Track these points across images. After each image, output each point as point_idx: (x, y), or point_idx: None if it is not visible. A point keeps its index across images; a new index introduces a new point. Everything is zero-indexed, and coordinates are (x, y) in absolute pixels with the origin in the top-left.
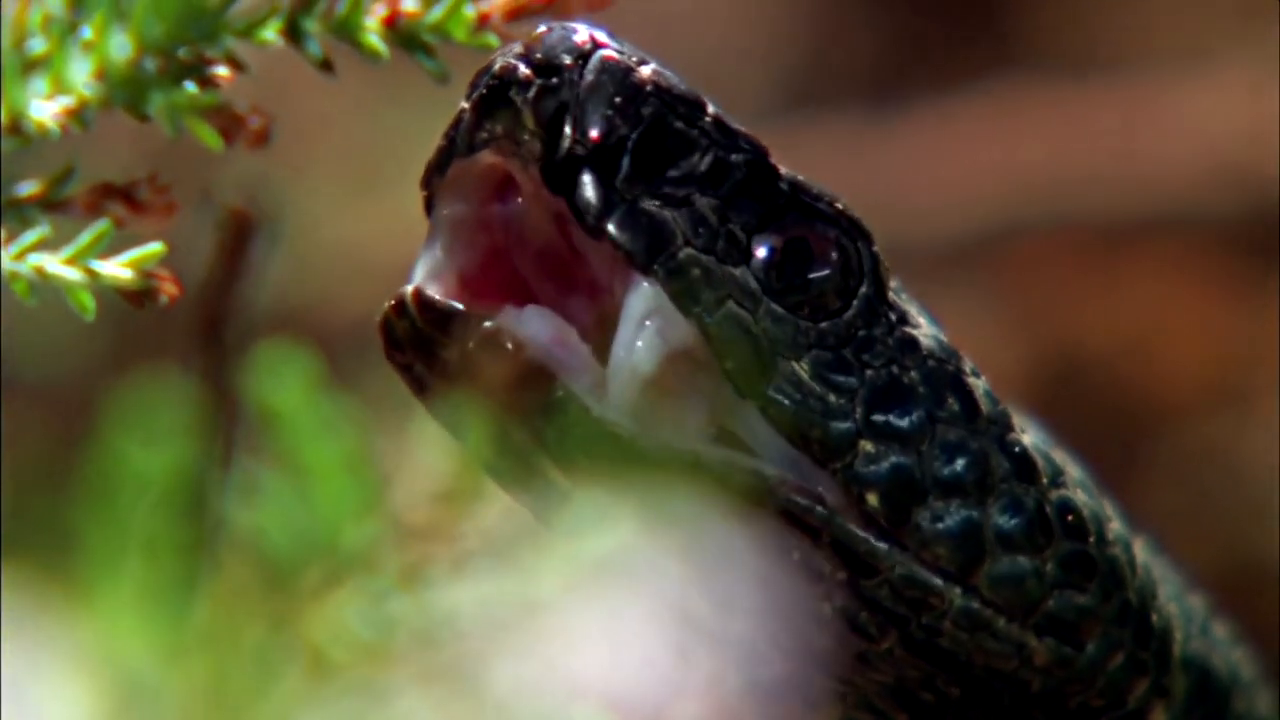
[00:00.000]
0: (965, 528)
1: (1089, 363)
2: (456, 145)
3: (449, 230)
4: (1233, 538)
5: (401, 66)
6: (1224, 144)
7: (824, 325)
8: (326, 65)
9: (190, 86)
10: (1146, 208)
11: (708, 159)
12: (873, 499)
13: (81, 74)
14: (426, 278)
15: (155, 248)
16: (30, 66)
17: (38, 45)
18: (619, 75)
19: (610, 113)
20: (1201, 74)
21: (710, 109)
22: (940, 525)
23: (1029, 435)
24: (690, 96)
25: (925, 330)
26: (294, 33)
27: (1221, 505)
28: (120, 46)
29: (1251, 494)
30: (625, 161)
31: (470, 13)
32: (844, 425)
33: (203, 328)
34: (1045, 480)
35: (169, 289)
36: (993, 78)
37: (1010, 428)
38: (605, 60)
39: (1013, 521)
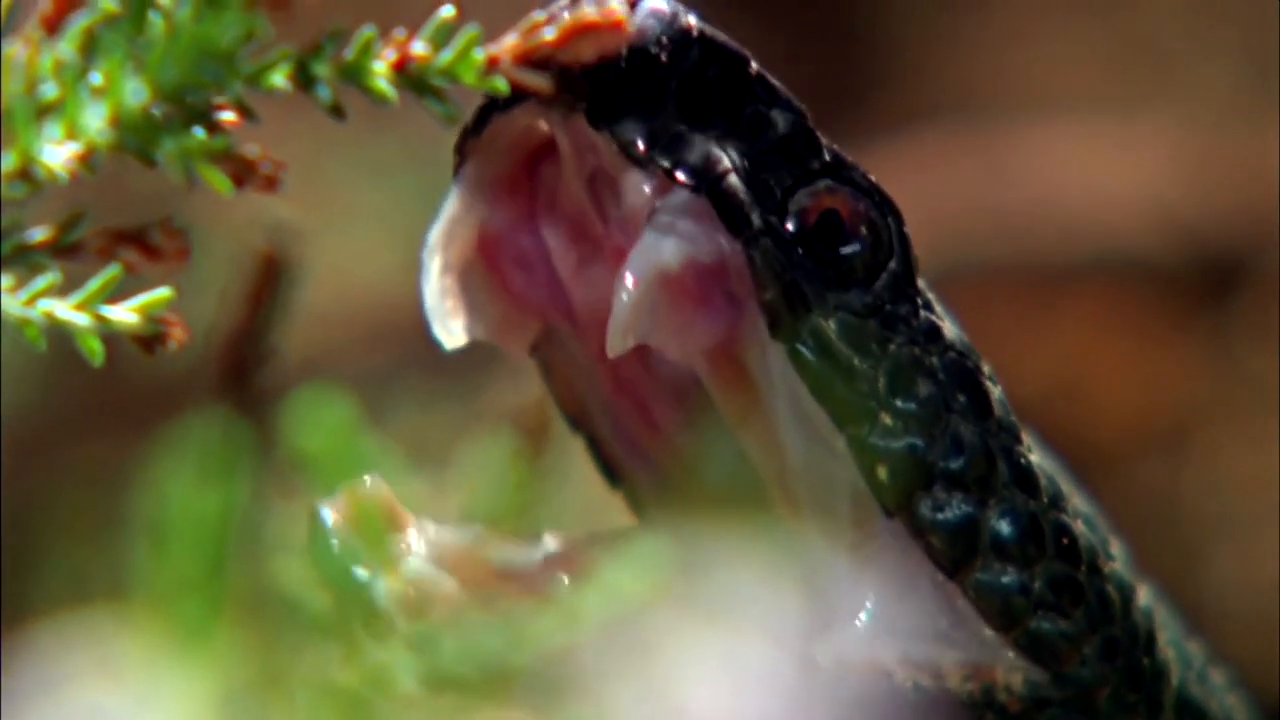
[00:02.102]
0: (963, 523)
1: (1021, 408)
2: (497, 100)
3: (471, 189)
4: (1168, 582)
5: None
6: (1153, 188)
7: (852, 290)
8: (337, 111)
9: (199, 132)
10: (1075, 252)
11: (748, 111)
12: (882, 473)
13: (95, 119)
14: (441, 240)
15: (163, 293)
16: (42, 112)
17: (49, 90)
18: (666, 19)
19: (657, 52)
20: (1128, 120)
21: (753, 65)
22: (939, 516)
23: (1036, 455)
24: (734, 49)
25: (948, 325)
26: (304, 77)
27: (1157, 550)
28: (135, 92)
29: (1186, 538)
30: (670, 100)
31: (480, 56)
32: (866, 392)
33: (230, 371)
34: (1045, 500)
35: (178, 334)
36: (903, 129)
37: (1019, 439)
38: (654, 8)
39: (1008, 530)
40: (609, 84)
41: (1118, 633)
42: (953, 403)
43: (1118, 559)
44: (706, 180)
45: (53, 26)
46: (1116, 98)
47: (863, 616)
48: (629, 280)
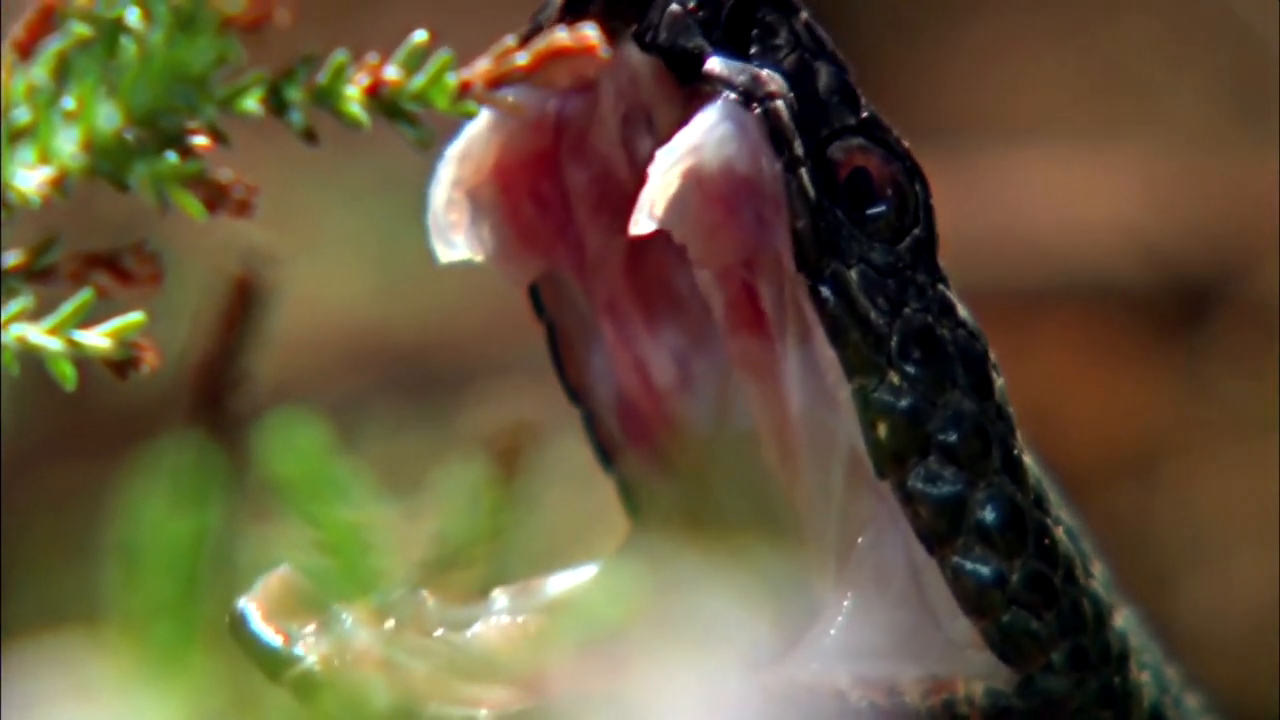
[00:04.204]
0: (951, 500)
1: None
2: (541, 26)
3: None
4: (1140, 608)
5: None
6: (1126, 213)
7: (877, 246)
8: (310, 135)
9: (171, 156)
10: (1048, 277)
11: (794, 55)
12: (882, 430)
13: (68, 144)
14: (458, 154)
15: (136, 317)
16: (15, 136)
17: (22, 115)
18: None
19: None
20: (1101, 146)
21: (804, 14)
22: (930, 487)
23: (1028, 456)
24: None
25: (963, 308)
26: (276, 101)
27: (1128, 575)
28: (107, 116)
29: (1158, 564)
30: (721, 27)
31: (452, 81)
32: (878, 346)
33: (203, 395)
34: (1031, 496)
35: (150, 359)
36: None
37: (1014, 432)
38: None
39: (993, 516)
40: (660, 7)
41: (1087, 644)
42: (958, 378)
43: (1097, 578)
44: (757, 97)
45: (25, 51)
46: (1089, 123)
47: (831, 631)
48: (665, 161)
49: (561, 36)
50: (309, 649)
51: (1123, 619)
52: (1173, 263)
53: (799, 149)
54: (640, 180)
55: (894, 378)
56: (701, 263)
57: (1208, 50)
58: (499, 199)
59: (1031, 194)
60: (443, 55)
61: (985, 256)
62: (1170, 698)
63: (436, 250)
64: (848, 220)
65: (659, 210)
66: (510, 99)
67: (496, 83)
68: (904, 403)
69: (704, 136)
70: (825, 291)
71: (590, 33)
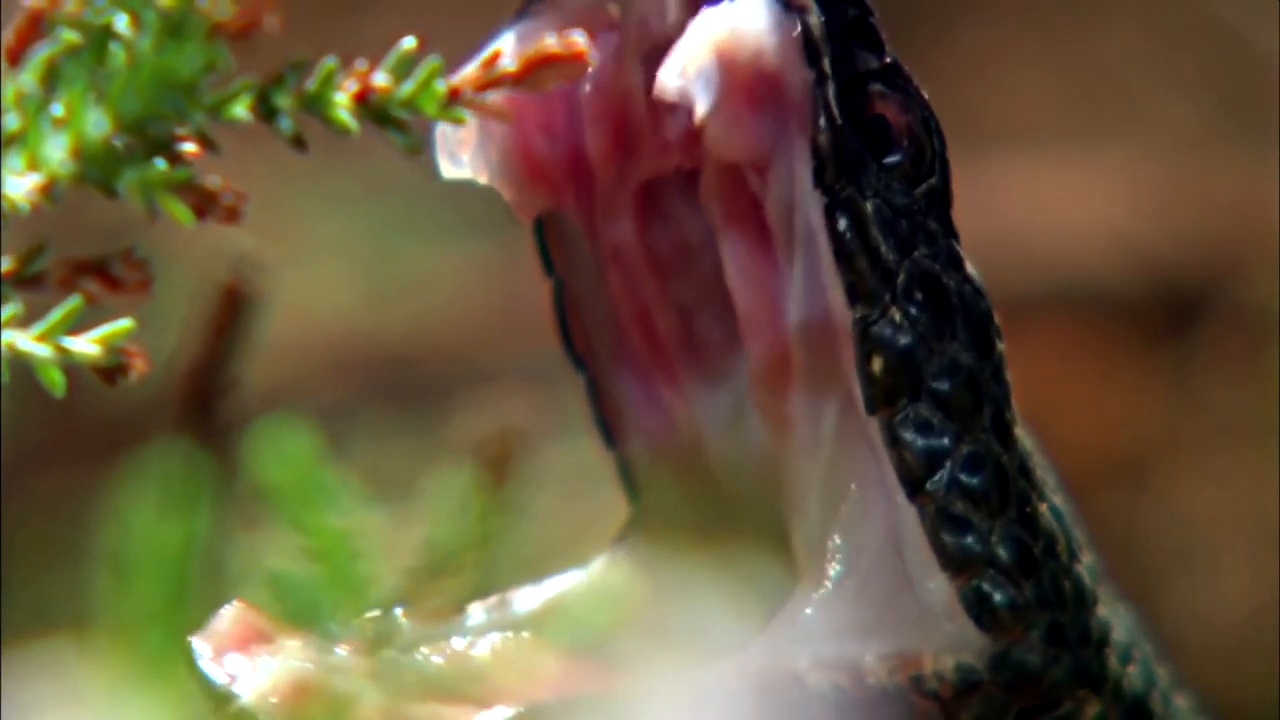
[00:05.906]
0: (936, 449)
1: None
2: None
3: (514, 47)
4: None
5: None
6: (1113, 220)
7: (894, 184)
8: (299, 142)
9: (160, 163)
10: (1036, 284)
11: None
12: (878, 364)
13: (57, 151)
14: None
15: (125, 324)
16: (4, 143)
17: (11, 122)
18: None
19: None
20: (1088, 152)
21: None
22: (917, 435)
23: (1020, 428)
24: None
25: (970, 266)
26: (265, 108)
27: (1118, 581)
28: (96, 123)
29: (1145, 571)
30: None
31: (441, 87)
32: (884, 280)
33: (192, 402)
34: (1016, 463)
35: (139, 365)
36: None
37: (1008, 399)
38: None
39: (975, 472)
40: None
41: (1065, 621)
42: (958, 331)
43: (1084, 565)
44: (794, 7)
45: (14, 57)
46: (1076, 130)
47: (806, 610)
48: (702, 28)
49: (550, 42)
50: (246, 686)
51: (1110, 611)
52: (1161, 269)
53: (828, 66)
54: (656, 123)
55: (895, 314)
56: (716, 148)
57: (1196, 57)
58: (510, 127)
59: (1020, 200)
60: (431, 61)
61: (974, 262)
62: (1158, 693)
63: (440, 165)
64: (867, 156)
65: (690, 73)
66: (500, 105)
67: (485, 89)
68: (903, 340)
69: (743, 20)
70: (839, 214)
71: (578, 38)
